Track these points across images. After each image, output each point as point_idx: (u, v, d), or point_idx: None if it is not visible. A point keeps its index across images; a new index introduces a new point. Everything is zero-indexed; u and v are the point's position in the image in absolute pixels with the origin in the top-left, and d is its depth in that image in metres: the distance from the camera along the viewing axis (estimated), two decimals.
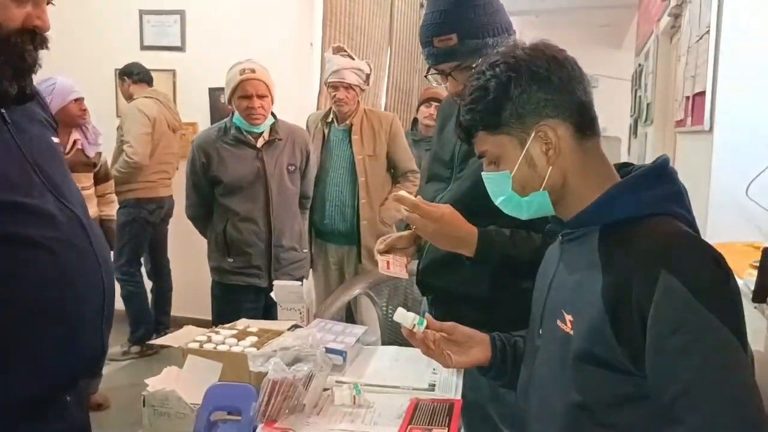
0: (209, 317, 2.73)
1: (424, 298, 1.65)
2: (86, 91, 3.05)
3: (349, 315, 2.86)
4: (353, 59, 3.00)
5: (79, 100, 2.96)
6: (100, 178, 3.16)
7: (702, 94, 2.58)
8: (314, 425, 1.22)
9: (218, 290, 2.70)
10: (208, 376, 1.33)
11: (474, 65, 1.07)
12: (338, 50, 3.04)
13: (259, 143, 2.61)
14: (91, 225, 1.10)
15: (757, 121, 2.34)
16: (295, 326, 1.68)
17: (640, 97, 5.42)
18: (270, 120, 2.63)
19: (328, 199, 3.06)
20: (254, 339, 1.50)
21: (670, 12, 3.66)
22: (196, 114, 4.11)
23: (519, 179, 0.99)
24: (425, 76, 1.53)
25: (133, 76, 3.84)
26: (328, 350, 1.43)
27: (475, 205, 1.24)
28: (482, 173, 1.05)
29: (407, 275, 1.54)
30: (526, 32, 6.14)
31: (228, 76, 2.57)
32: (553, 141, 0.96)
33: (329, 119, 3.11)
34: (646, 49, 5.16)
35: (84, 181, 2.92)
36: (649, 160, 1.05)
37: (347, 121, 3.05)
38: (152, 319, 3.95)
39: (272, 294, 1.86)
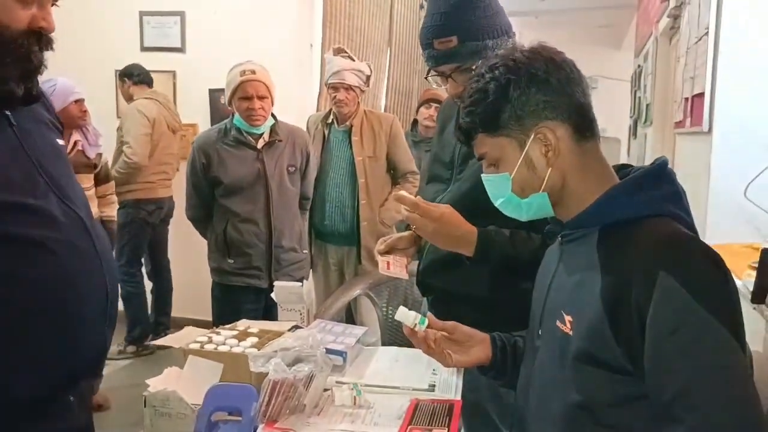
0: (209, 318, 2.74)
1: (425, 298, 1.65)
2: (87, 92, 3.05)
3: (349, 316, 2.86)
4: (353, 60, 3.00)
5: (79, 101, 2.97)
6: (100, 179, 3.17)
7: (701, 95, 2.59)
8: (315, 425, 1.22)
9: (218, 291, 2.70)
10: (208, 377, 1.34)
11: (474, 67, 1.08)
12: (339, 51, 3.04)
13: (260, 144, 2.62)
14: (94, 226, 1.10)
15: (755, 123, 2.35)
16: (296, 327, 1.68)
17: (639, 98, 5.43)
18: (270, 121, 2.63)
19: (328, 200, 3.06)
20: (255, 340, 1.50)
21: (670, 13, 3.66)
22: (196, 115, 4.12)
23: (518, 181, 0.99)
24: (425, 78, 1.53)
25: (134, 77, 3.85)
26: (329, 351, 1.44)
27: (475, 206, 1.24)
28: (482, 175, 1.06)
29: (407, 276, 1.54)
30: (525, 33, 6.15)
31: (228, 78, 2.57)
32: (553, 142, 0.97)
33: (329, 120, 3.11)
34: (645, 50, 5.17)
35: (84, 182, 2.93)
36: (648, 161, 1.06)
37: (347, 123, 3.06)
38: (149, 319, 3.96)
39: (272, 295, 1.86)
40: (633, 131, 5.93)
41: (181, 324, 1.95)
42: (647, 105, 4.84)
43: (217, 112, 4.00)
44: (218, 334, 1.54)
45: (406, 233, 1.56)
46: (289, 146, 2.69)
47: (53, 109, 1.20)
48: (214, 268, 2.69)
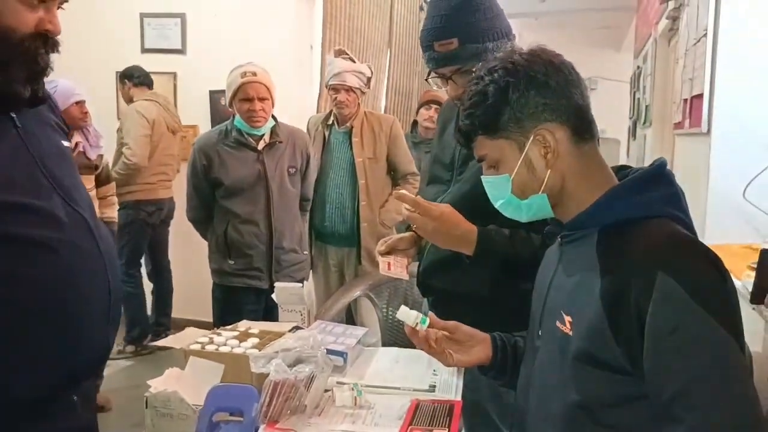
0: (210, 319, 2.74)
1: (425, 299, 1.66)
2: (88, 93, 3.06)
3: (350, 317, 2.86)
4: (354, 62, 3.01)
5: (80, 103, 2.98)
6: (101, 181, 3.17)
7: (700, 96, 2.60)
8: (315, 426, 1.23)
9: (219, 292, 2.70)
10: (210, 378, 1.34)
11: (474, 69, 1.08)
12: (340, 53, 3.05)
13: (260, 146, 2.62)
14: (98, 227, 1.11)
15: (754, 123, 2.35)
16: (296, 328, 1.69)
17: (638, 99, 5.44)
18: (270, 122, 2.64)
19: (329, 201, 3.07)
20: (256, 340, 1.51)
21: (668, 15, 3.67)
22: (197, 116, 4.12)
23: (518, 182, 1.00)
24: (426, 80, 1.54)
25: (134, 79, 3.86)
26: (329, 351, 1.44)
27: (475, 207, 1.25)
28: (482, 177, 1.06)
29: (408, 276, 1.55)
30: (525, 35, 6.17)
31: (229, 79, 2.58)
32: (552, 144, 0.97)
33: (330, 122, 3.12)
34: (644, 52, 5.17)
35: (85, 183, 2.91)
36: (648, 162, 1.06)
37: (348, 124, 3.06)
38: (148, 320, 3.98)
39: (273, 296, 1.87)
40: (632, 132, 5.94)
41: (181, 325, 1.95)
42: (646, 106, 4.85)
43: (217, 114, 4.01)
44: (219, 334, 1.55)
45: (406, 234, 1.57)
46: (290, 148, 2.70)
47: (59, 111, 1.21)
48: (214, 270, 2.70)
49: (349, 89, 2.97)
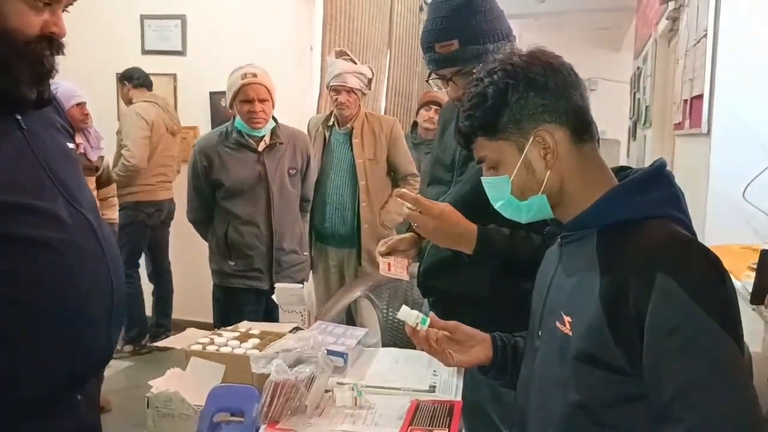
0: (210, 320, 2.74)
1: (425, 300, 1.66)
2: (88, 95, 3.06)
3: (350, 317, 2.86)
4: (356, 64, 3.02)
5: (81, 105, 2.98)
6: (102, 182, 3.18)
7: (700, 97, 2.60)
8: (316, 426, 1.23)
9: (219, 293, 2.71)
10: (211, 378, 1.35)
11: (475, 71, 1.09)
12: (341, 54, 3.06)
13: (261, 147, 2.63)
14: (102, 228, 1.12)
15: (754, 124, 2.35)
16: (297, 328, 1.69)
17: (638, 99, 5.44)
18: (271, 124, 2.64)
19: (329, 203, 3.07)
20: (256, 341, 1.51)
21: (668, 15, 3.67)
22: (197, 118, 4.13)
23: (518, 184, 1.00)
24: (426, 81, 1.54)
25: (133, 80, 3.87)
26: (330, 352, 1.44)
27: (476, 208, 1.25)
28: (482, 178, 1.07)
29: (408, 277, 1.55)
30: (525, 36, 6.17)
31: (229, 81, 2.58)
32: (551, 145, 0.98)
33: (330, 123, 3.13)
34: (644, 52, 5.18)
35: None
36: (648, 163, 1.06)
37: (348, 125, 3.07)
38: (146, 320, 3.99)
39: (273, 297, 1.87)
40: (632, 133, 5.94)
41: (181, 326, 1.96)
42: (646, 107, 4.86)
43: (217, 115, 4.01)
44: (220, 335, 1.55)
45: (407, 235, 1.57)
46: (290, 149, 2.70)
47: (65, 113, 1.23)
48: (215, 271, 2.70)
49: (350, 90, 2.97)
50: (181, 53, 4.14)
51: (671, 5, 3.59)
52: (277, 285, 1.92)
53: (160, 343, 1.63)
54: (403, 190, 1.39)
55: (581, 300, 0.93)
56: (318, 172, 3.01)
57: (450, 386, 1.43)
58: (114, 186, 3.33)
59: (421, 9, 5.31)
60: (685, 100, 2.97)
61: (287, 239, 2.68)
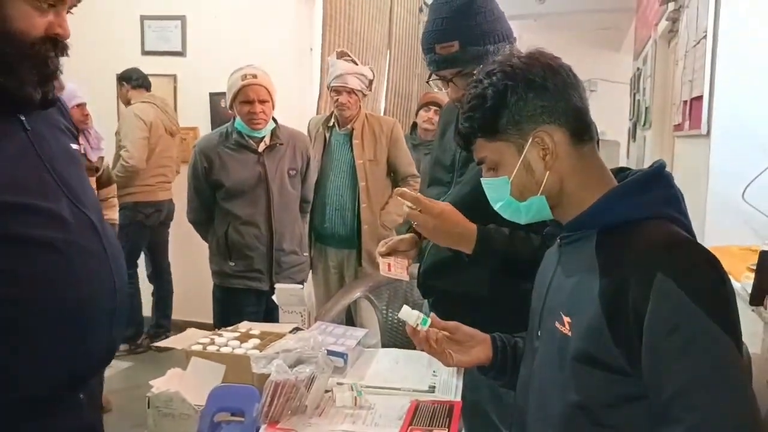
0: (210, 321, 2.75)
1: (425, 301, 1.66)
2: (88, 96, 3.07)
3: (349, 318, 2.87)
4: (357, 64, 3.02)
5: (81, 105, 2.98)
6: (102, 183, 3.18)
7: (699, 98, 2.60)
8: (316, 426, 1.23)
9: (220, 294, 2.71)
10: (211, 378, 1.35)
11: (475, 72, 1.09)
12: (342, 55, 3.06)
13: (261, 148, 2.63)
14: (105, 228, 1.12)
15: (754, 125, 2.36)
16: (297, 329, 1.69)
17: (638, 101, 5.44)
18: (271, 125, 2.65)
19: (329, 203, 3.07)
20: (256, 341, 1.52)
21: (668, 16, 3.68)
22: (197, 118, 4.13)
23: (517, 185, 1.01)
24: (426, 82, 1.55)
25: (132, 81, 3.87)
26: (330, 352, 1.45)
27: (475, 209, 1.26)
28: (481, 179, 1.07)
29: (408, 277, 1.55)
30: (525, 36, 6.17)
31: (230, 82, 2.59)
32: (550, 146, 0.98)
33: (330, 123, 3.13)
34: (644, 53, 5.18)
35: None
36: (647, 164, 1.06)
37: (348, 126, 3.07)
38: (143, 320, 3.99)
39: (274, 297, 1.87)
40: (632, 134, 5.94)
41: (181, 326, 1.96)
42: (646, 108, 4.86)
43: (217, 116, 4.01)
44: (220, 335, 1.56)
45: (407, 235, 1.57)
46: (290, 150, 2.71)
47: (69, 114, 1.23)
48: (215, 271, 2.71)
49: (351, 91, 2.98)
50: (181, 54, 4.15)
51: (671, 6, 3.59)
52: (277, 285, 1.93)
53: (161, 344, 1.63)
54: (404, 189, 1.39)
55: (580, 300, 0.94)
56: (318, 172, 3.01)
57: (450, 386, 1.43)
58: (114, 186, 3.33)
59: (420, 10, 5.32)
60: (685, 101, 2.97)
61: (287, 240, 2.68)
